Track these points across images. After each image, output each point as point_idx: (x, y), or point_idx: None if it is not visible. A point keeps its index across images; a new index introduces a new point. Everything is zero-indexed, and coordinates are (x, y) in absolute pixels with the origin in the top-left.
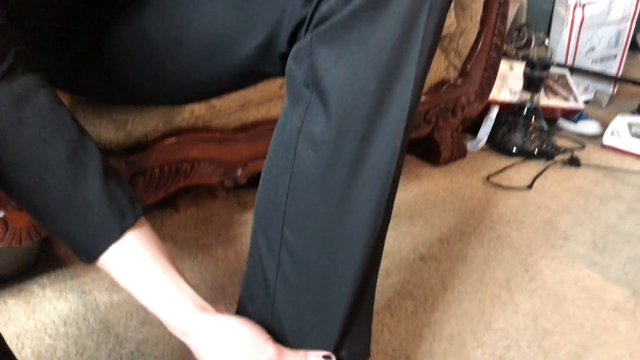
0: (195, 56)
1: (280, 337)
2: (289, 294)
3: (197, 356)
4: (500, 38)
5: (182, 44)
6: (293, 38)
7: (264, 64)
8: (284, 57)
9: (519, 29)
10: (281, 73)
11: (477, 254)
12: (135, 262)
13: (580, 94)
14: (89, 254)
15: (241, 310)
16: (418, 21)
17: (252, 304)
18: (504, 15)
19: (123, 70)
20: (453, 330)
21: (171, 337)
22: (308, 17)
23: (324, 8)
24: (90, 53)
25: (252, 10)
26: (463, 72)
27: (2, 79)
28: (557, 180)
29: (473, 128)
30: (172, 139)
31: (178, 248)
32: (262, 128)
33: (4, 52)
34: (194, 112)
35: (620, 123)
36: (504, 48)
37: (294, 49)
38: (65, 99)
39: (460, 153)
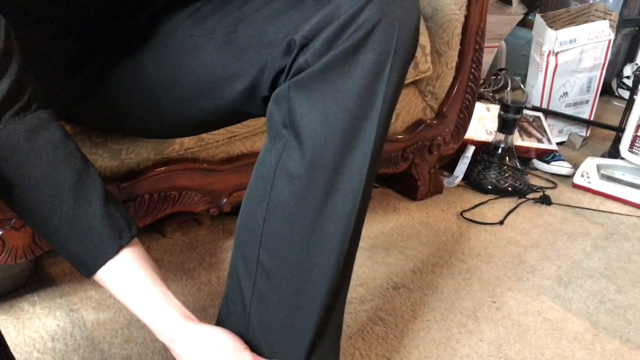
0: (187, 97)
1: (255, 347)
2: (263, 310)
3: None
4: (475, 82)
5: (176, 86)
6: (274, 84)
7: (248, 106)
8: (266, 100)
9: (497, 74)
10: (263, 114)
11: (448, 285)
12: (128, 275)
13: (555, 136)
14: (89, 268)
15: (220, 323)
16: (382, 73)
17: (229, 318)
18: (478, 62)
19: (121, 105)
20: (420, 355)
21: (154, 355)
22: (287, 67)
23: (300, 60)
24: (91, 88)
25: (239, 59)
26: (439, 114)
27: (18, 114)
28: (528, 217)
29: (450, 165)
30: (162, 168)
31: (163, 271)
32: (247, 160)
33: (23, 90)
34: (183, 144)
35: (590, 165)
36: (482, 91)
37: (274, 94)
38: (65, 127)
39: (437, 189)
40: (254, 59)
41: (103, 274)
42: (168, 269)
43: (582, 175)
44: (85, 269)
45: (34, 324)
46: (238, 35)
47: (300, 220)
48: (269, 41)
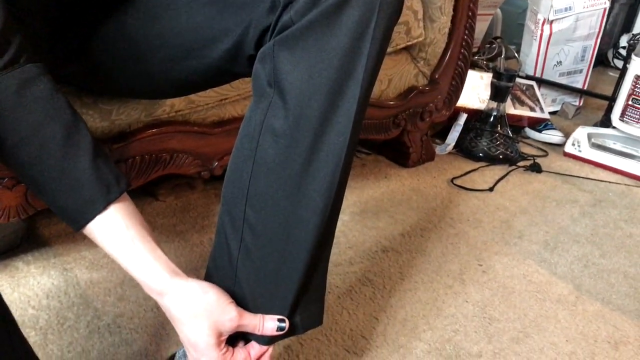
0: (173, 56)
1: (241, 302)
2: (249, 265)
3: (169, 314)
4: (467, 49)
5: (161, 45)
6: (259, 42)
7: (234, 65)
8: (252, 59)
9: (491, 42)
10: (249, 74)
11: (435, 248)
12: (117, 230)
13: (548, 105)
14: (78, 222)
15: (207, 279)
16: (367, 31)
17: (217, 273)
18: (471, 29)
19: (107, 65)
20: (407, 314)
21: (145, 312)
22: (272, 25)
23: (285, 18)
24: (78, 48)
25: (225, 18)
26: (432, 80)
27: (6, 67)
28: (518, 184)
29: (442, 133)
30: (153, 130)
31: (156, 234)
32: (237, 124)
33: (8, 43)
34: (174, 105)
35: (581, 134)
36: (476, 59)
37: (259, 52)
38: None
39: (428, 156)
40: (239, 17)
41: (92, 228)
42: (161, 231)
43: (573, 144)
44: (74, 222)
45: (28, 282)
46: None
47: (285, 177)
48: (253, 0)
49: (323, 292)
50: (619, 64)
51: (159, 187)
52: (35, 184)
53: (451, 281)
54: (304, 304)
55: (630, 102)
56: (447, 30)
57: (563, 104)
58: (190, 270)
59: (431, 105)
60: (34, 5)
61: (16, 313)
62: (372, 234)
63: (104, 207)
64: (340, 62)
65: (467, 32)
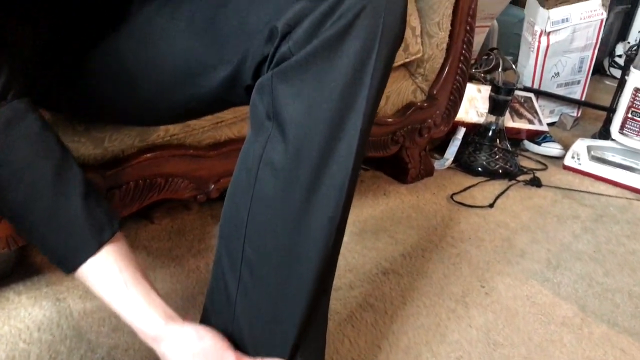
0: (167, 84)
1: (239, 345)
2: (248, 305)
3: None
4: (465, 64)
5: (156, 72)
6: (257, 72)
7: (231, 94)
8: (249, 89)
9: (488, 54)
10: (246, 102)
11: (437, 270)
12: (110, 274)
13: (546, 116)
14: (69, 265)
15: (205, 319)
16: (368, 62)
17: (214, 313)
18: (469, 43)
19: (100, 92)
20: (410, 341)
21: (141, 344)
22: (270, 55)
23: (283, 49)
24: (70, 75)
25: (220, 46)
26: (430, 96)
27: None
28: (518, 199)
29: (441, 147)
30: (147, 155)
31: (151, 259)
32: (234, 146)
33: None
34: (169, 130)
35: (581, 146)
36: (473, 71)
37: (257, 83)
38: (45, 115)
39: (427, 171)
40: (236, 46)
41: (83, 272)
42: (156, 256)
43: (573, 157)
44: (64, 266)
45: (19, 314)
46: (219, 21)
47: (285, 213)
48: (250, 28)
49: (325, 328)
50: (615, 72)
51: (153, 210)
52: (23, 227)
53: (454, 304)
54: (306, 343)
55: (629, 115)
56: (445, 45)
57: (561, 115)
58: (186, 297)
59: (429, 121)
60: (26, 31)
61: (6, 348)
62: (372, 255)
63: (96, 249)
64: (341, 94)
65: (465, 46)
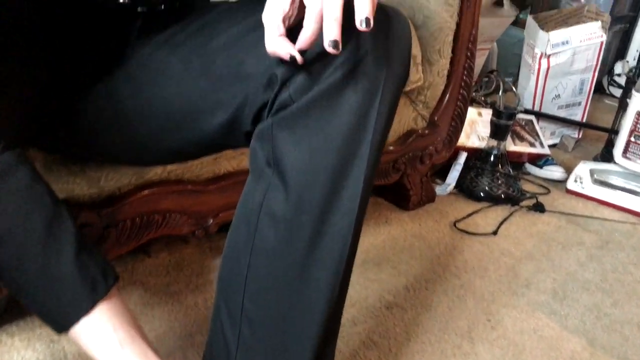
0: (164, 127)
1: None
2: None
3: None
4: (466, 90)
5: (153, 115)
6: (256, 118)
7: (229, 139)
8: (248, 134)
9: (488, 76)
10: (246, 146)
11: (442, 302)
12: (104, 333)
13: (547, 138)
14: (60, 326)
15: None
16: (372, 107)
17: None
18: (470, 69)
19: (96, 134)
20: None
21: None
22: (269, 102)
23: (283, 95)
24: (65, 116)
25: (217, 90)
26: (431, 123)
27: None
28: (521, 226)
29: (442, 172)
30: (145, 192)
31: (148, 295)
32: (233, 179)
33: None
34: (166, 166)
35: (583, 170)
36: (473, 94)
37: (257, 130)
38: (39, 156)
39: (429, 197)
40: (233, 91)
41: (76, 331)
42: (153, 292)
43: (576, 181)
44: (56, 325)
45: (12, 357)
46: (215, 65)
47: (286, 266)
48: (248, 73)
49: None
50: (615, 91)
51: (150, 243)
52: (12, 285)
53: (459, 340)
54: None
55: (632, 139)
56: (446, 72)
57: (562, 136)
58: (184, 336)
59: (431, 148)
60: (23, 74)
61: None
62: (374, 287)
63: (90, 307)
64: (343, 141)
65: (465, 72)
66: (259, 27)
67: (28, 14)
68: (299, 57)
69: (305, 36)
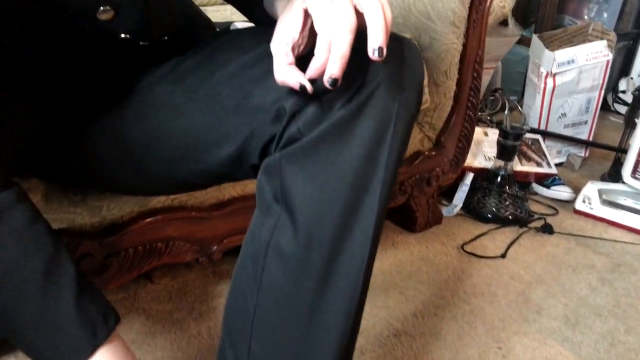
0: (168, 159)
1: None
2: None
3: None
4: (473, 110)
5: (157, 147)
6: (264, 152)
7: (235, 171)
8: (255, 167)
9: (493, 94)
10: (252, 178)
11: (451, 330)
12: None
13: (554, 157)
14: None
15: None
16: (383, 141)
17: None
18: (476, 89)
19: (99, 164)
20: None
21: None
22: (278, 135)
23: (292, 129)
24: (68, 146)
25: (224, 123)
26: (437, 144)
27: None
28: (530, 248)
29: (448, 193)
30: (148, 220)
31: (151, 323)
32: (238, 205)
33: None
34: None
35: (592, 190)
36: (478, 114)
37: (264, 164)
38: (39, 186)
39: (436, 219)
40: (240, 123)
41: None
42: (156, 320)
43: (584, 201)
44: None
45: None
46: (222, 97)
47: (295, 306)
48: (256, 105)
49: None
50: (620, 108)
51: (153, 268)
52: (9, 330)
53: None
54: None
55: None
56: (452, 93)
57: (569, 155)
58: None
59: (438, 169)
60: (19, 106)
61: None
62: (382, 315)
63: (90, 353)
64: (354, 176)
65: (472, 92)
66: (266, 58)
67: (28, 47)
68: (309, 87)
69: (316, 65)
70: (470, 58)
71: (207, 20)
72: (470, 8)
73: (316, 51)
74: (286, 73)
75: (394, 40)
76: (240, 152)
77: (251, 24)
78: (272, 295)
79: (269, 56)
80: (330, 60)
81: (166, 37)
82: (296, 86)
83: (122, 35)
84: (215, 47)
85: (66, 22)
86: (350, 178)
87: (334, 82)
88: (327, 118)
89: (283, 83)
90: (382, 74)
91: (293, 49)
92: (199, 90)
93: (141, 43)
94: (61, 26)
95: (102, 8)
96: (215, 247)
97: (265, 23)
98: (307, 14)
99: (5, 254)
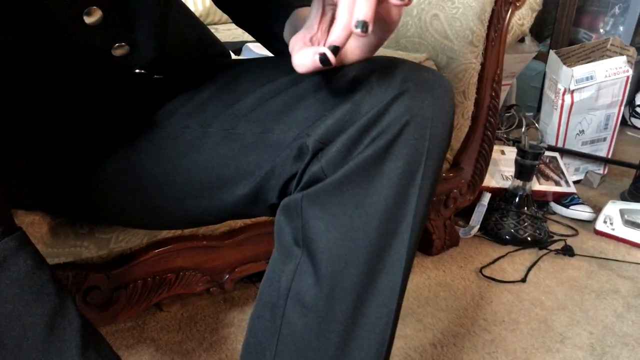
0: (181, 195)
1: None
2: None
3: None
4: (491, 130)
5: (169, 184)
6: (283, 190)
7: (251, 210)
8: (274, 207)
9: (509, 111)
10: (269, 216)
11: None
12: None
13: (571, 174)
14: None
15: None
16: (413, 182)
17: None
18: (495, 109)
19: (105, 200)
20: None
21: None
22: (298, 174)
23: (314, 168)
24: (75, 180)
25: (241, 159)
26: (454, 165)
27: None
28: (551, 271)
29: (465, 213)
30: (157, 251)
31: (160, 354)
32: (250, 233)
33: None
34: None
35: (613, 210)
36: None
37: (284, 203)
38: (46, 219)
39: (452, 241)
40: (258, 160)
41: None
42: (165, 351)
43: (605, 222)
44: None
45: None
46: (239, 131)
47: (317, 359)
48: (276, 141)
49: None
50: (637, 122)
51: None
52: None
53: None
54: None
55: None
56: (470, 114)
57: (587, 172)
58: None
59: (455, 191)
60: (24, 139)
61: None
62: (400, 344)
63: None
64: (381, 220)
65: (490, 112)
66: (286, 91)
67: (36, 80)
68: (330, 54)
69: (338, 28)
70: (489, 77)
71: (221, 47)
72: (488, 27)
73: (338, 14)
74: (301, 56)
75: (426, 73)
76: (257, 191)
77: (265, 53)
78: (292, 347)
79: (289, 88)
80: (357, 4)
81: (181, 69)
82: (316, 61)
83: (137, 71)
84: (232, 79)
85: (79, 56)
86: (376, 222)
87: (363, 25)
88: (352, 158)
89: (304, 69)
90: (413, 109)
91: (311, 42)
92: (214, 124)
93: (155, 76)
94: (73, 60)
95: (117, 44)
96: (227, 277)
97: (285, 53)
98: (324, 4)
99: (4, 306)
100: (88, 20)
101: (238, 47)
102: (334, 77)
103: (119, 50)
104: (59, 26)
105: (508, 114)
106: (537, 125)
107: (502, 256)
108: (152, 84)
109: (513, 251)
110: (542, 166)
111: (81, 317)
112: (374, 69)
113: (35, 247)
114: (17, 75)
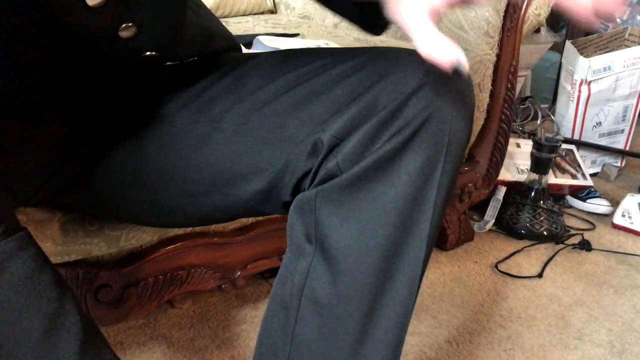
0: (191, 192)
1: None
2: None
3: None
4: (507, 123)
5: (179, 180)
6: (297, 187)
7: (264, 207)
8: (287, 203)
9: (524, 103)
10: (283, 214)
11: (488, 358)
12: None
13: (588, 166)
14: None
15: None
16: (432, 178)
17: None
18: (510, 101)
19: (114, 196)
20: None
21: None
22: (313, 170)
23: (330, 164)
24: (81, 177)
25: (253, 155)
26: (470, 159)
27: None
28: (567, 266)
29: (479, 207)
30: (168, 248)
31: (172, 352)
32: (261, 229)
33: None
34: None
35: (632, 203)
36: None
37: (297, 200)
38: (56, 216)
39: (467, 236)
40: (272, 156)
41: None
42: (177, 348)
43: (623, 215)
44: None
45: None
46: (252, 126)
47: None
48: (290, 137)
49: None
50: None
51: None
52: None
53: None
54: None
55: None
56: (485, 106)
57: (604, 165)
58: None
59: (470, 185)
60: (34, 134)
61: None
62: (414, 342)
63: None
64: (398, 217)
65: (506, 105)
66: (300, 85)
67: (44, 72)
68: (465, 69)
69: None
70: (504, 69)
71: (232, 40)
72: (504, 17)
73: None
74: (436, 45)
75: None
76: (270, 187)
77: (276, 46)
78: (306, 348)
79: (304, 83)
80: None
81: (195, 58)
82: (447, 66)
83: (148, 53)
84: (243, 73)
85: (87, 41)
86: (394, 219)
87: None
88: (370, 153)
89: (429, 58)
90: (434, 103)
91: (432, 15)
92: (225, 119)
93: (168, 63)
94: (82, 46)
95: (124, 25)
96: (239, 273)
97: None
98: None
99: (2, 310)
100: (90, 2)
101: (249, 40)
102: (349, 70)
103: (126, 31)
104: (61, 9)
105: (523, 106)
106: (552, 117)
107: (518, 251)
108: (162, 74)
109: (529, 246)
110: (558, 159)
111: (83, 321)
112: (391, 61)
113: (39, 248)
114: (27, 65)
